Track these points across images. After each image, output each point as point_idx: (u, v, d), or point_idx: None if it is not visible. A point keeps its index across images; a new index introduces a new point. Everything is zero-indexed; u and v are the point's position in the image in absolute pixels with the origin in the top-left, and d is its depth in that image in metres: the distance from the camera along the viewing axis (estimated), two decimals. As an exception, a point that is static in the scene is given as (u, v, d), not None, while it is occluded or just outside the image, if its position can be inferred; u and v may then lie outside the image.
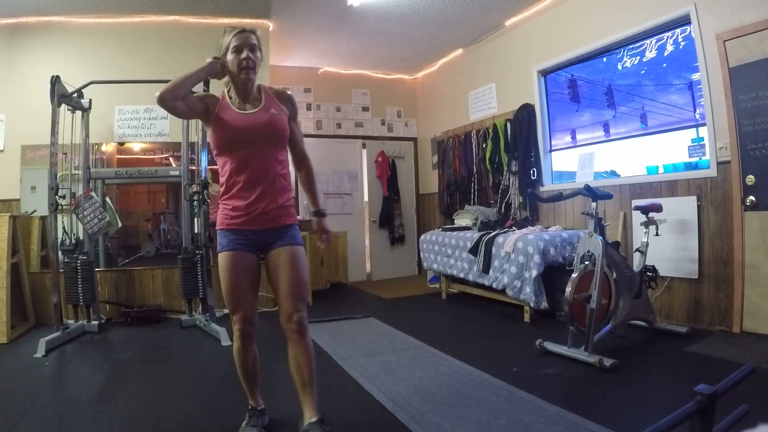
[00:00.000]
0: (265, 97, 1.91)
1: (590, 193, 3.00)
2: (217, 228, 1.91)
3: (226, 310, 4.37)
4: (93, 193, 3.82)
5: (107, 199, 4.13)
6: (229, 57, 1.83)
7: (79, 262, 3.74)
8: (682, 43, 3.46)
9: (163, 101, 1.73)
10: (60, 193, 3.58)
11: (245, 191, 1.83)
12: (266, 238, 1.88)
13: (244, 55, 1.80)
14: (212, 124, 1.84)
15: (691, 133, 3.51)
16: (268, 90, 1.94)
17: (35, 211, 4.12)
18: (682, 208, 3.36)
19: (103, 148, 4.44)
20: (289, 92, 2.00)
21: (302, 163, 2.06)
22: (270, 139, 1.85)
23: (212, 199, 3.86)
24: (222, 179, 1.88)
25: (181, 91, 1.77)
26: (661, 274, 3.26)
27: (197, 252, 3.91)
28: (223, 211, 1.88)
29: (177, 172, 4.04)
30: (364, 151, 6.40)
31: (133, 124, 4.49)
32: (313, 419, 1.81)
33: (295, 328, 1.85)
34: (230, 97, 1.88)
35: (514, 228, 4.28)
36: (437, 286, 5.18)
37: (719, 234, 3.20)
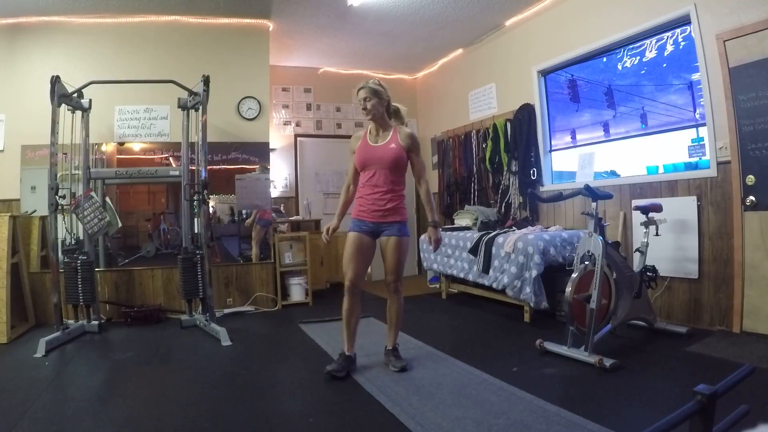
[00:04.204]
0: (392, 135, 2.69)
1: (590, 193, 3.00)
2: (351, 216, 2.77)
3: (225, 310, 4.42)
4: (93, 193, 3.82)
5: (107, 199, 4.12)
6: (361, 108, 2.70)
7: (79, 262, 3.74)
8: (682, 43, 3.46)
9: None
10: (60, 193, 3.58)
11: (367, 196, 2.69)
12: (379, 228, 2.70)
13: (362, 105, 2.66)
14: (354, 154, 2.74)
15: (691, 133, 3.51)
16: (398, 129, 2.71)
17: (35, 211, 4.11)
18: (682, 208, 3.36)
19: (103, 148, 4.43)
20: (410, 131, 2.74)
21: (419, 183, 2.78)
22: (385, 164, 2.64)
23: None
24: (359, 185, 2.75)
25: (351, 199, 2.83)
26: (661, 274, 3.26)
27: (197, 252, 3.91)
28: (356, 206, 2.75)
29: (177, 172, 4.04)
30: (364, 151, 6.40)
31: (133, 124, 4.49)
32: (390, 347, 2.83)
33: (392, 288, 2.77)
34: (370, 132, 2.74)
35: (514, 228, 4.28)
36: (437, 286, 5.18)
37: (719, 234, 3.20)
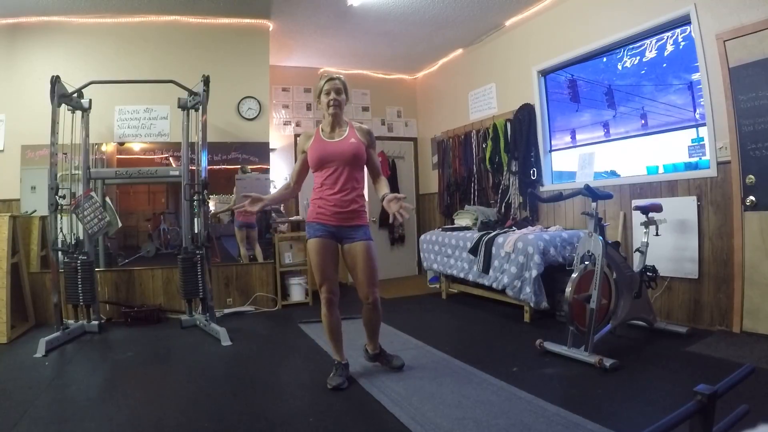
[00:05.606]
0: (349, 130, 2.54)
1: (590, 193, 3.00)
2: (307, 220, 2.58)
3: (225, 310, 4.42)
4: (93, 193, 3.82)
5: (107, 199, 4.13)
6: (322, 98, 2.52)
7: (79, 262, 3.74)
8: (682, 43, 3.46)
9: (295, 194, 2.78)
10: (60, 193, 3.58)
11: (329, 197, 2.48)
12: (343, 233, 2.52)
13: (331, 96, 2.48)
14: (308, 152, 2.54)
15: (691, 133, 3.51)
16: (352, 125, 2.58)
17: (35, 211, 4.11)
18: (682, 208, 3.36)
19: (103, 148, 4.43)
20: (368, 127, 2.64)
21: (376, 178, 2.64)
22: (346, 159, 2.48)
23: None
24: (315, 186, 2.55)
25: (287, 196, 2.80)
26: (661, 274, 3.26)
27: (197, 252, 3.91)
28: (313, 208, 2.54)
29: (177, 172, 4.04)
30: (364, 151, 6.40)
31: (133, 124, 4.49)
32: (377, 351, 2.74)
33: (370, 301, 2.55)
34: (322, 130, 2.56)
35: (514, 228, 4.28)
36: (437, 286, 5.18)
37: (719, 234, 3.20)
